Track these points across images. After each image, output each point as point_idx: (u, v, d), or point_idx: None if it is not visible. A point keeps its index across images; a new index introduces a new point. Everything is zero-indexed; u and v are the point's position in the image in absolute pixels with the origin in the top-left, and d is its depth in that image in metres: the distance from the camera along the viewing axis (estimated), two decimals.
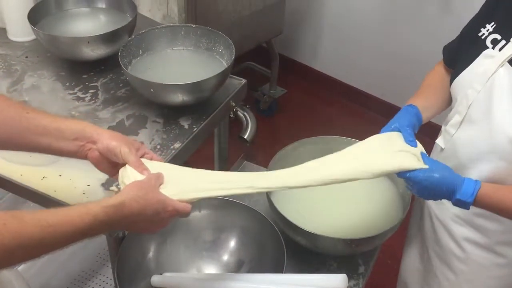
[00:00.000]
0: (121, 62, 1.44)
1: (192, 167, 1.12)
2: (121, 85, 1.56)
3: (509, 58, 1.14)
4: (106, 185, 1.25)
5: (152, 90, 1.39)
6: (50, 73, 1.60)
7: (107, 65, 1.61)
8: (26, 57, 1.66)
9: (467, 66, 1.22)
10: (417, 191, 1.15)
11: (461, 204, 1.12)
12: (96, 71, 1.61)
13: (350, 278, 1.35)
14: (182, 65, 1.56)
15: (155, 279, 1.28)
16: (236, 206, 1.37)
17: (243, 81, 1.59)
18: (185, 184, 1.05)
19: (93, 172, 1.09)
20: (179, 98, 1.40)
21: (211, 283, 1.25)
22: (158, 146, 1.37)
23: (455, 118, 1.25)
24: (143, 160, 1.05)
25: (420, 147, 1.18)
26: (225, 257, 1.38)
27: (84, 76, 1.59)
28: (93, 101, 1.50)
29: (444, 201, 1.33)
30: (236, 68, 2.56)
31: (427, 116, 1.30)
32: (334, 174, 1.11)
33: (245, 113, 1.57)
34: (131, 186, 0.98)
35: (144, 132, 1.41)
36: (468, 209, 1.13)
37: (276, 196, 1.37)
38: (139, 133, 1.41)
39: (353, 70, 3.30)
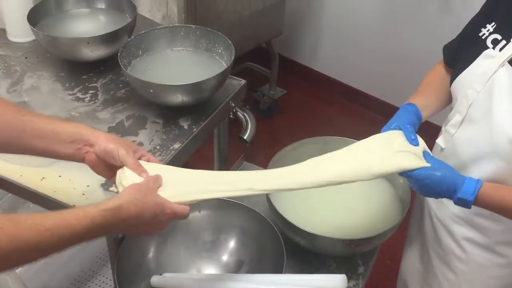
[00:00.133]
0: (120, 63, 1.44)
1: (192, 168, 1.12)
2: (120, 85, 1.56)
3: (509, 58, 1.14)
4: (105, 186, 1.25)
5: (151, 90, 1.39)
6: (50, 73, 1.60)
7: (106, 66, 1.61)
8: (26, 57, 1.66)
9: (467, 66, 1.22)
10: (418, 189, 1.15)
11: (463, 202, 1.12)
12: (95, 71, 1.61)
13: (349, 278, 1.35)
14: (181, 66, 1.56)
15: (155, 279, 1.28)
16: (236, 206, 1.37)
17: (243, 81, 1.59)
18: (183, 186, 1.05)
19: (93, 173, 1.09)
20: (178, 98, 1.40)
21: (210, 283, 1.25)
22: (158, 147, 1.37)
23: (455, 118, 1.25)
24: (141, 162, 1.05)
25: (422, 145, 1.17)
26: (225, 258, 1.38)
27: (84, 77, 1.59)
28: (92, 102, 1.50)
29: (445, 201, 1.33)
30: (236, 68, 2.56)
31: (426, 115, 1.30)
32: (333, 176, 1.11)
33: (245, 114, 1.57)
34: (129, 189, 0.98)
35: (144, 132, 1.41)
36: (470, 207, 1.13)
37: (275, 197, 1.37)
38: (139, 134, 1.41)
39: (353, 70, 3.30)
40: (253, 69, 3.27)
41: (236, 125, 1.59)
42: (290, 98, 3.34)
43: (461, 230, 1.33)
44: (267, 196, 1.36)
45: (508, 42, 1.16)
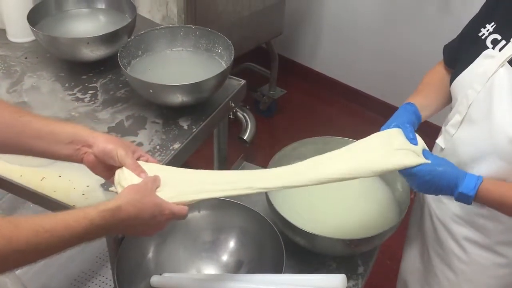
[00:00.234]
0: (120, 63, 1.44)
1: (191, 168, 1.12)
2: (120, 86, 1.56)
3: (509, 58, 1.14)
4: (105, 186, 1.26)
5: (151, 90, 1.39)
6: (50, 74, 1.60)
7: (106, 66, 1.61)
8: (26, 58, 1.66)
9: (467, 66, 1.22)
10: (419, 186, 1.15)
11: (463, 198, 1.13)
12: (95, 72, 1.61)
13: (349, 278, 1.35)
14: (181, 66, 1.56)
15: (155, 279, 1.28)
16: (235, 206, 1.37)
17: (242, 81, 1.59)
18: (182, 186, 1.05)
19: (92, 173, 1.09)
20: (178, 98, 1.40)
21: (210, 283, 1.25)
22: (158, 147, 1.37)
23: (455, 118, 1.25)
24: (139, 162, 1.05)
25: (421, 144, 1.17)
26: (225, 258, 1.38)
27: (84, 77, 1.59)
28: (92, 102, 1.50)
29: (445, 200, 1.33)
30: (236, 68, 2.57)
31: (426, 115, 1.30)
32: (333, 173, 1.11)
33: (245, 114, 1.58)
34: (127, 190, 0.98)
35: (144, 132, 1.41)
36: (470, 203, 1.14)
37: (275, 197, 1.37)
38: (139, 134, 1.41)
39: (353, 70, 3.30)
40: (253, 69, 3.27)
41: (236, 125, 1.60)
42: (290, 98, 3.34)
43: (461, 230, 1.33)
44: (266, 196, 1.36)
45: (507, 42, 1.16)
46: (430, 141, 1.32)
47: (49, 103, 1.50)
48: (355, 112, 3.33)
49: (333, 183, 1.13)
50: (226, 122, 1.67)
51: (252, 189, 1.07)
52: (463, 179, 1.12)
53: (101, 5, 1.75)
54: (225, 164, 1.79)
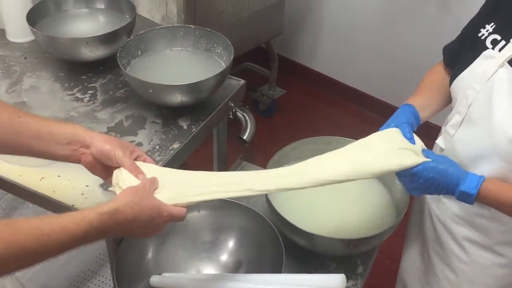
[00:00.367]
0: (119, 63, 1.44)
1: (191, 168, 1.11)
2: (120, 85, 1.56)
3: (509, 58, 1.14)
4: (104, 186, 1.26)
5: (151, 90, 1.39)
6: (49, 74, 1.60)
7: (106, 66, 1.61)
8: (25, 58, 1.66)
9: (467, 67, 1.22)
10: (418, 186, 1.15)
11: (465, 196, 1.13)
12: (95, 72, 1.61)
13: (348, 278, 1.35)
14: (181, 66, 1.56)
15: (154, 279, 1.28)
16: (235, 206, 1.37)
17: (242, 81, 1.59)
18: (180, 188, 1.04)
19: None
20: (178, 98, 1.40)
21: (210, 283, 1.25)
22: (157, 147, 1.37)
23: (455, 118, 1.25)
24: (137, 163, 1.05)
25: (419, 144, 1.17)
26: (224, 258, 1.38)
27: (83, 77, 1.59)
28: (92, 102, 1.50)
29: (445, 200, 1.33)
30: (235, 69, 2.57)
31: (425, 115, 1.30)
32: (332, 175, 1.11)
33: (244, 114, 1.58)
34: (125, 192, 0.98)
35: (143, 132, 1.41)
36: (472, 202, 1.14)
37: (274, 197, 1.37)
38: (138, 134, 1.41)
39: (353, 70, 3.30)
40: (253, 69, 3.28)
41: (236, 125, 1.60)
42: (289, 98, 3.34)
43: (461, 230, 1.33)
44: (266, 196, 1.36)
45: (507, 42, 1.16)
46: (430, 141, 1.32)
47: (48, 103, 1.50)
48: (354, 112, 3.33)
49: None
50: (225, 122, 1.67)
51: (252, 191, 1.07)
52: (465, 177, 1.12)
53: (101, 5, 1.75)
54: (225, 164, 1.79)
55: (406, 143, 1.17)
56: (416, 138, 1.19)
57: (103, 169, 1.05)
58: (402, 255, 1.60)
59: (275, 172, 1.14)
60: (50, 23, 1.65)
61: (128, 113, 1.47)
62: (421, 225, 1.46)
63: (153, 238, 1.34)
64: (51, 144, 1.02)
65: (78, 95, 1.53)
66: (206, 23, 2.04)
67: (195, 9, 2.37)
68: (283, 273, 1.22)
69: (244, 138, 1.52)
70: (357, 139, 1.23)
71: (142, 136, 1.40)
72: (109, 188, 1.17)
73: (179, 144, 1.38)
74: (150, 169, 1.05)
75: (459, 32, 1.34)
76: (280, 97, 3.29)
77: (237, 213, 1.37)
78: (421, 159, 1.14)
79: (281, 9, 2.89)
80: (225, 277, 1.26)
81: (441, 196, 1.31)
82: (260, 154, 2.82)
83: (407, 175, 1.15)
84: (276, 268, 1.24)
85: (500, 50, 1.17)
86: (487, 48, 1.19)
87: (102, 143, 1.03)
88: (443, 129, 1.33)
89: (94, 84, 1.56)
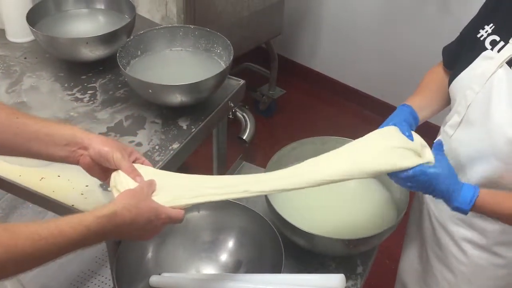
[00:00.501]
0: (119, 63, 1.44)
1: (190, 168, 1.12)
2: (119, 86, 1.56)
3: (507, 59, 1.14)
4: (104, 186, 1.26)
5: (150, 90, 1.39)
6: (49, 74, 1.61)
7: (105, 66, 1.62)
8: (25, 58, 1.66)
9: (466, 67, 1.22)
10: (412, 187, 1.15)
11: (459, 210, 1.13)
12: (94, 72, 1.61)
13: (348, 278, 1.35)
14: (180, 66, 1.56)
15: (154, 279, 1.28)
16: (235, 206, 1.37)
17: (242, 81, 1.59)
18: (178, 191, 1.04)
19: None
20: (177, 98, 1.40)
21: (209, 283, 1.25)
22: (157, 147, 1.37)
23: (453, 118, 1.25)
24: (135, 165, 1.05)
25: (418, 141, 1.17)
26: (224, 258, 1.38)
27: (83, 77, 1.59)
28: (91, 102, 1.50)
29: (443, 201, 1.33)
30: (235, 69, 2.57)
31: (425, 116, 1.30)
32: (329, 175, 1.11)
33: (244, 114, 1.58)
34: (123, 195, 0.98)
35: (143, 132, 1.41)
36: (466, 214, 1.14)
37: (274, 197, 1.37)
38: (138, 134, 1.41)
39: (352, 70, 3.30)
40: (253, 69, 3.27)
41: (236, 125, 1.60)
42: (289, 98, 3.34)
43: (460, 231, 1.33)
44: (266, 196, 1.36)
45: (506, 43, 1.16)
46: (430, 141, 1.32)
47: (48, 103, 1.50)
48: (354, 112, 3.33)
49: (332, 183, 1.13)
50: (225, 122, 1.68)
51: (249, 193, 1.07)
52: (459, 192, 1.12)
53: (100, 5, 1.75)
54: (225, 164, 1.79)
55: (405, 140, 1.16)
56: (415, 135, 1.18)
57: (101, 170, 1.05)
58: (401, 255, 1.60)
59: (273, 174, 1.14)
60: (50, 23, 1.66)
61: (127, 113, 1.47)
62: (420, 225, 1.46)
63: (153, 238, 1.34)
64: (49, 146, 1.02)
65: (78, 95, 1.53)
66: (206, 23, 2.04)
67: (195, 9, 2.37)
68: (282, 273, 1.22)
69: (244, 138, 1.52)
70: (356, 139, 1.23)
71: (141, 136, 1.40)
72: (109, 189, 1.17)
73: (178, 144, 1.38)
74: (148, 172, 1.05)
75: (459, 32, 1.34)
76: (280, 97, 3.29)
77: (237, 213, 1.37)
78: (418, 160, 1.13)
79: (281, 9, 2.89)
80: (225, 277, 1.26)
81: None
82: (260, 154, 2.82)
83: (398, 177, 1.14)
84: (275, 268, 1.24)
85: (499, 51, 1.17)
86: (486, 49, 1.19)
87: (100, 145, 1.02)
88: (441, 129, 1.33)
89: (94, 84, 1.57)
